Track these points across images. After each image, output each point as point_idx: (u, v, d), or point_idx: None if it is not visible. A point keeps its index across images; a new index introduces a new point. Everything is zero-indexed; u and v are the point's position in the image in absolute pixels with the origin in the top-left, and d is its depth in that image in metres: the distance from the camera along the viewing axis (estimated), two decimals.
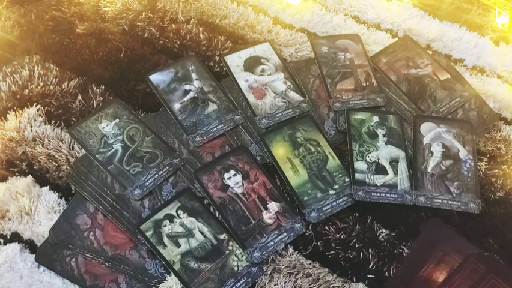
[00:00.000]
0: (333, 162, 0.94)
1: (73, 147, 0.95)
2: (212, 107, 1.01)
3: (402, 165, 0.94)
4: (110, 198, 0.89)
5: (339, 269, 0.84)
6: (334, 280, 0.83)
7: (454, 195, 0.91)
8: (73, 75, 1.06)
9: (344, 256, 0.85)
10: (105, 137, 0.96)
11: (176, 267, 0.82)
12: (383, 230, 0.88)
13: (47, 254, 0.84)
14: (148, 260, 0.85)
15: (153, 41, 1.13)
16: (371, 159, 0.94)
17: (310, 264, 0.84)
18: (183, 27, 1.14)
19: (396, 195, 0.90)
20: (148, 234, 0.84)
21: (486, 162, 0.97)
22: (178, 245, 0.84)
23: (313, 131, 0.98)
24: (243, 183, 0.91)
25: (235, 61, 1.08)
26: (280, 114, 1.01)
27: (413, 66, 1.10)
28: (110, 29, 1.14)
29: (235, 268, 0.83)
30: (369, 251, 0.86)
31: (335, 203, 0.90)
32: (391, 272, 0.84)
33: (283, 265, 0.84)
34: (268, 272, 0.83)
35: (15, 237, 0.86)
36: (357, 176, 0.92)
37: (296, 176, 0.92)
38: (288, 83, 1.05)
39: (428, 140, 0.98)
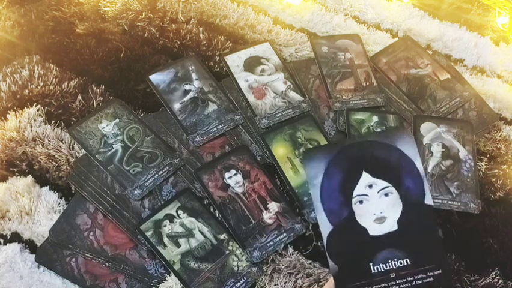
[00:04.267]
0: None
1: (73, 147, 0.96)
2: (212, 107, 1.01)
3: None
4: (110, 198, 0.89)
5: None
6: None
7: (454, 195, 0.91)
8: (73, 75, 1.06)
9: None
10: (105, 137, 0.96)
11: (176, 267, 0.82)
12: None
13: (47, 254, 0.84)
14: (148, 260, 0.85)
15: (153, 41, 1.13)
16: None
17: (310, 264, 0.84)
18: (183, 27, 1.14)
19: None
20: (148, 234, 0.85)
21: (486, 162, 0.97)
22: (178, 245, 0.84)
23: (313, 131, 0.98)
24: (243, 182, 0.91)
25: (235, 61, 1.08)
26: (280, 114, 1.01)
27: (413, 66, 1.10)
28: (110, 29, 1.14)
29: (235, 268, 0.83)
30: None
31: None
32: None
33: (283, 265, 0.84)
34: (268, 272, 0.83)
35: (15, 237, 0.86)
36: None
37: (296, 176, 0.92)
38: (288, 83, 1.05)
39: (428, 140, 0.98)
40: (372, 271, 0.65)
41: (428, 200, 0.68)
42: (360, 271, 0.66)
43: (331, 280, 0.68)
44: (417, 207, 0.67)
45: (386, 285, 0.65)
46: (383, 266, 0.66)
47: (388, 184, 0.68)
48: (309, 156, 0.71)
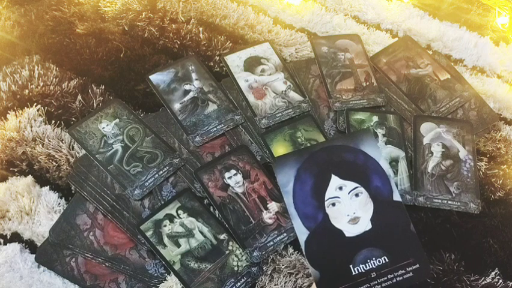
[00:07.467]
0: None
1: (73, 147, 0.96)
2: (212, 107, 1.01)
3: (402, 165, 0.94)
4: (110, 198, 0.89)
5: None
6: None
7: (454, 195, 0.91)
8: (72, 75, 1.06)
9: None
10: (105, 137, 0.96)
11: (176, 267, 0.82)
12: None
13: (47, 254, 0.84)
14: (148, 260, 0.85)
15: (153, 41, 1.13)
16: None
17: None
18: (183, 27, 1.14)
19: None
20: (148, 234, 0.85)
21: (486, 162, 0.97)
22: (178, 245, 0.84)
23: (313, 131, 0.98)
24: (243, 182, 0.91)
25: (235, 61, 1.08)
26: (280, 114, 1.01)
27: (413, 66, 1.10)
28: (110, 29, 1.14)
29: (235, 268, 0.83)
30: None
31: None
32: None
33: (283, 265, 0.84)
34: (268, 272, 0.83)
35: (15, 237, 0.86)
36: None
37: None
38: (288, 83, 1.05)
39: (428, 140, 0.98)
40: (353, 273, 0.65)
41: (396, 197, 0.69)
42: (341, 274, 0.65)
43: (313, 286, 0.68)
44: (387, 204, 0.68)
45: (369, 285, 0.65)
46: (362, 267, 0.65)
47: (357, 185, 0.69)
48: (279, 163, 0.71)
